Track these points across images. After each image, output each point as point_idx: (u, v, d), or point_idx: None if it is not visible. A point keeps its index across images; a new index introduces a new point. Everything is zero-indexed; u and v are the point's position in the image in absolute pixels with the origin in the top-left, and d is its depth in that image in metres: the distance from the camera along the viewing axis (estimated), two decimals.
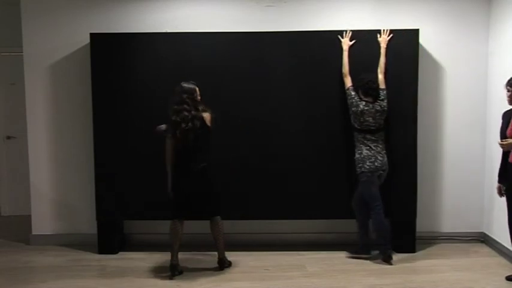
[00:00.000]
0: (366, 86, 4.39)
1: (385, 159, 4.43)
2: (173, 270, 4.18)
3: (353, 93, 4.43)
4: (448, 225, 5.03)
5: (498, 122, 4.72)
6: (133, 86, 4.67)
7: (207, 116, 4.12)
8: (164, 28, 4.80)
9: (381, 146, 4.43)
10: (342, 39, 4.56)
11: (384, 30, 4.57)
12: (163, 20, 4.86)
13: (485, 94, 4.93)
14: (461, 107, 4.94)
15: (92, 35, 4.66)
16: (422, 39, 4.68)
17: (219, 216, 4.30)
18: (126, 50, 4.64)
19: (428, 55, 4.87)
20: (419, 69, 4.60)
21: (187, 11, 4.89)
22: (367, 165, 4.38)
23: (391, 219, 4.84)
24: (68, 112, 4.97)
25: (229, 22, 4.85)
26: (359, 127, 4.41)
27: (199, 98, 4.17)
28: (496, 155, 4.76)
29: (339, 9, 4.88)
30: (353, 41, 4.54)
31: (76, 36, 4.86)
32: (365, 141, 4.41)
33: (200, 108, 4.11)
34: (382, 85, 4.46)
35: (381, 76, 4.48)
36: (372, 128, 4.39)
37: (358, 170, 4.43)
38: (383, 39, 4.54)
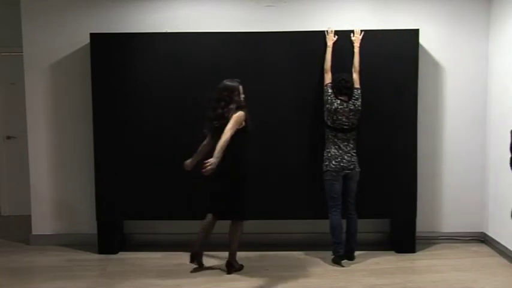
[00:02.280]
0: (339, 84, 4.39)
1: (353, 158, 4.40)
2: (192, 258, 4.24)
3: (330, 90, 4.43)
4: (448, 225, 5.04)
5: (498, 122, 4.73)
6: (133, 86, 4.67)
7: (236, 116, 3.99)
8: (164, 28, 4.80)
9: (351, 145, 4.41)
10: (326, 35, 4.56)
11: (355, 29, 4.57)
12: (163, 20, 4.86)
13: (485, 94, 4.93)
14: (461, 107, 4.94)
15: (92, 35, 4.66)
16: (422, 39, 4.68)
17: (240, 219, 4.22)
18: (126, 50, 4.65)
19: (428, 55, 4.87)
20: (419, 69, 4.60)
21: (187, 11, 4.89)
22: (333, 164, 4.37)
23: (391, 219, 4.86)
24: (68, 112, 4.97)
25: (229, 22, 4.85)
26: (331, 125, 4.41)
27: (241, 97, 4.12)
28: (496, 154, 4.77)
29: (339, 9, 4.88)
30: (336, 37, 4.54)
31: (76, 36, 4.87)
32: (335, 140, 4.41)
33: (235, 107, 4.03)
34: (356, 84, 4.45)
35: (355, 75, 4.47)
36: (345, 127, 4.38)
37: (324, 168, 4.44)
38: (356, 39, 4.54)
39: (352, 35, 4.56)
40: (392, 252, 4.74)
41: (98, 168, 4.68)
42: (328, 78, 4.48)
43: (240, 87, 4.14)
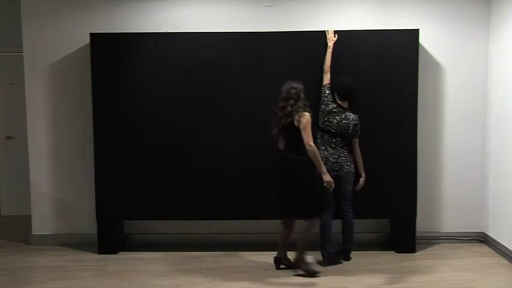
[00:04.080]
0: (344, 89, 4.35)
1: (340, 159, 4.37)
2: (275, 263, 4.31)
3: (327, 91, 4.44)
4: (448, 225, 5.04)
5: (498, 122, 4.73)
6: (133, 86, 4.67)
7: (306, 118, 4.00)
8: (164, 28, 4.80)
9: (338, 148, 4.38)
10: (327, 35, 4.56)
11: (329, 29, 4.57)
12: (163, 20, 4.86)
13: (485, 94, 4.93)
14: (461, 107, 4.94)
15: (92, 35, 4.66)
16: (422, 39, 4.68)
17: (309, 219, 4.16)
18: (126, 50, 4.64)
19: (428, 55, 4.87)
20: (419, 69, 4.60)
21: (187, 11, 4.89)
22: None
23: (391, 219, 4.86)
24: (68, 112, 4.97)
25: (229, 22, 4.85)
26: (321, 125, 4.42)
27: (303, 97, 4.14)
28: (496, 154, 4.78)
29: (339, 9, 4.88)
30: (336, 37, 4.54)
31: (76, 36, 4.87)
32: (323, 141, 4.41)
33: (302, 105, 4.07)
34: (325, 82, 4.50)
35: (325, 76, 4.48)
36: (332, 130, 4.37)
37: (316, 170, 4.42)
38: (330, 38, 4.53)
39: (327, 33, 4.56)
40: (392, 252, 4.74)
41: (97, 168, 4.68)
42: (326, 78, 4.47)
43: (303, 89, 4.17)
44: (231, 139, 4.66)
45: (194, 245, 4.92)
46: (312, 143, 3.99)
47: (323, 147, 4.40)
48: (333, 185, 4.12)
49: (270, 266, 4.42)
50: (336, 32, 4.58)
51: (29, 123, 4.98)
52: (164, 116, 4.66)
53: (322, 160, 4.30)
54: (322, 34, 4.59)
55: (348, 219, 4.46)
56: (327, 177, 4.09)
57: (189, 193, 4.67)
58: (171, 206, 4.71)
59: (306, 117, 3.99)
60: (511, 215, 4.50)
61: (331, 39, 4.55)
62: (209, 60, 4.64)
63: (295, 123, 4.00)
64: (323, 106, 4.41)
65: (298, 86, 4.12)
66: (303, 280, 4.11)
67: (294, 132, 4.02)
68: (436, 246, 4.91)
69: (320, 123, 4.42)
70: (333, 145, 4.39)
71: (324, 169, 4.08)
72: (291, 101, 4.04)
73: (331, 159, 4.37)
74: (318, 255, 4.53)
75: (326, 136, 4.41)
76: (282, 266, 4.33)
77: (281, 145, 4.22)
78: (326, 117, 4.39)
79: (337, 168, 4.37)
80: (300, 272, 4.21)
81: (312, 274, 4.18)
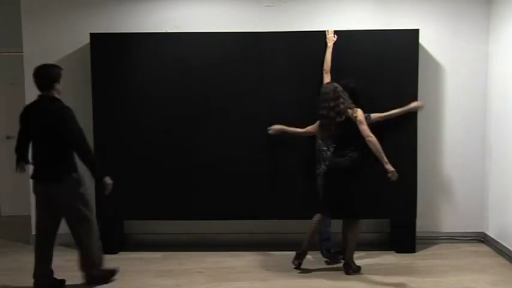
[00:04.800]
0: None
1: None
2: (297, 256, 4.31)
3: None
4: (448, 225, 5.04)
5: (498, 122, 4.73)
6: (133, 86, 4.67)
7: (360, 115, 4.07)
8: (164, 28, 4.80)
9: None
10: (327, 35, 4.56)
11: (328, 30, 4.57)
12: (163, 20, 4.86)
13: (485, 94, 4.93)
14: (461, 107, 4.95)
15: (92, 35, 4.67)
16: (422, 39, 4.68)
17: (355, 219, 4.20)
18: (126, 50, 4.65)
19: (428, 55, 4.87)
20: (419, 69, 4.60)
21: (187, 11, 4.89)
22: (323, 168, 4.37)
23: (391, 219, 4.85)
24: None
25: (229, 22, 4.85)
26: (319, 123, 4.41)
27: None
28: (496, 154, 4.78)
29: (339, 9, 4.88)
30: (336, 37, 4.54)
31: (76, 36, 4.87)
32: (325, 142, 4.40)
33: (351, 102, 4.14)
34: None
35: (326, 75, 4.48)
36: None
37: (316, 171, 4.46)
38: (330, 38, 4.53)
39: (327, 33, 4.56)
40: (393, 252, 4.74)
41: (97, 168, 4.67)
42: (327, 78, 4.47)
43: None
44: (231, 139, 4.66)
45: (194, 245, 4.92)
46: (372, 135, 4.02)
47: (325, 148, 4.40)
48: (397, 175, 4.07)
49: (269, 266, 4.42)
50: (336, 32, 4.58)
51: None
52: (164, 116, 4.67)
53: (326, 161, 4.32)
54: (322, 34, 4.59)
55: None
56: (390, 167, 4.05)
57: (189, 193, 4.67)
58: (171, 206, 4.71)
59: (360, 112, 4.07)
60: (511, 215, 4.51)
61: (331, 39, 4.54)
62: (209, 60, 4.64)
63: (351, 119, 4.04)
64: None
65: (338, 85, 4.17)
66: (303, 280, 4.11)
67: (351, 129, 4.05)
68: (436, 246, 4.91)
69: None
70: (335, 145, 4.39)
71: (386, 159, 4.05)
72: (341, 99, 4.07)
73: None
74: (317, 254, 4.54)
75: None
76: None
77: (323, 145, 4.31)
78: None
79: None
80: (348, 271, 4.23)
81: (358, 269, 4.25)
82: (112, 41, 4.65)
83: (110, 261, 4.56)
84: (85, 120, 4.80)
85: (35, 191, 3.91)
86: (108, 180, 3.86)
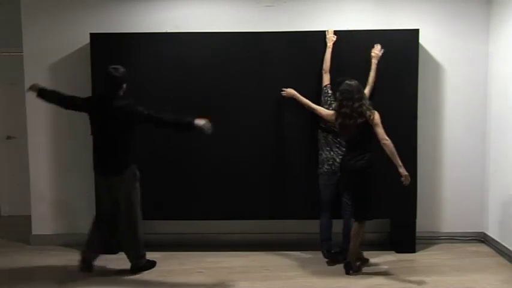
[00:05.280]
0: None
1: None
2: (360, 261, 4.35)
3: (330, 91, 4.43)
4: (448, 225, 5.04)
5: (498, 122, 4.73)
6: (133, 86, 4.65)
7: (378, 117, 4.04)
8: (164, 28, 4.80)
9: (343, 148, 4.36)
10: (326, 35, 4.55)
11: (328, 30, 4.57)
12: (163, 20, 4.86)
13: (485, 94, 4.93)
14: (461, 107, 4.95)
15: (92, 35, 4.66)
16: (422, 39, 4.68)
17: (362, 219, 4.20)
18: (126, 50, 4.64)
19: (428, 55, 4.87)
20: (419, 69, 4.59)
21: (187, 11, 4.89)
22: (325, 168, 4.39)
23: (391, 219, 4.85)
24: (68, 112, 4.94)
25: (229, 22, 4.85)
26: (323, 125, 4.41)
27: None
28: (496, 154, 4.78)
29: (339, 9, 4.88)
30: (336, 37, 4.53)
31: (76, 36, 4.87)
32: (327, 142, 4.41)
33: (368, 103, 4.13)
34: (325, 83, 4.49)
35: (325, 75, 4.47)
36: (336, 129, 4.35)
37: (318, 170, 4.46)
38: (375, 55, 4.49)
39: (326, 33, 4.56)
40: (392, 252, 4.74)
41: None
42: (327, 79, 4.47)
43: None
44: (230, 139, 4.66)
45: (194, 245, 4.92)
46: (387, 138, 4.00)
47: (328, 148, 4.40)
48: (409, 179, 4.04)
49: (269, 266, 4.42)
50: (336, 32, 4.58)
51: (29, 123, 4.98)
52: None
53: (329, 161, 4.32)
54: (322, 34, 4.59)
55: (349, 220, 4.46)
56: (404, 171, 4.01)
57: (189, 193, 4.66)
58: (171, 206, 4.71)
59: (377, 115, 4.04)
60: (511, 215, 4.51)
61: (331, 39, 4.54)
62: (209, 60, 4.64)
63: (368, 121, 4.02)
64: (326, 106, 4.41)
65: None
66: (303, 280, 4.11)
67: (367, 131, 4.04)
68: (436, 246, 4.91)
69: (322, 123, 4.41)
70: (337, 145, 4.39)
71: (400, 162, 4.02)
72: (364, 100, 4.06)
73: (337, 159, 4.36)
74: (317, 254, 4.54)
75: (330, 136, 4.40)
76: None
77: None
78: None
79: (344, 170, 4.37)
80: (348, 271, 4.24)
81: (359, 269, 4.28)
82: (112, 41, 4.64)
83: (110, 261, 4.57)
84: (85, 120, 4.83)
85: (98, 182, 4.27)
86: (199, 122, 3.97)
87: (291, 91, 4.50)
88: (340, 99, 4.09)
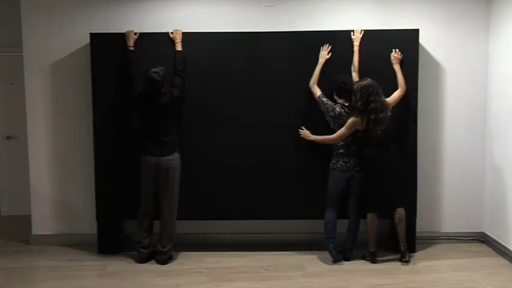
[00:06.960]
0: (339, 87, 4.41)
1: (359, 161, 4.43)
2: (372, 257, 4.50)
3: (325, 99, 4.44)
4: (448, 225, 5.04)
5: (498, 122, 4.73)
6: (133, 86, 4.66)
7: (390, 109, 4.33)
8: (164, 28, 4.79)
9: (357, 148, 4.41)
10: (352, 35, 4.56)
11: (355, 29, 4.57)
12: (163, 20, 4.86)
13: (485, 94, 4.93)
14: (461, 107, 4.94)
15: (92, 35, 4.66)
16: (422, 39, 4.68)
17: (372, 213, 4.44)
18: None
19: (428, 55, 4.87)
20: (419, 69, 4.59)
21: (187, 11, 4.89)
22: (340, 165, 4.40)
23: (391, 219, 4.85)
24: (68, 112, 4.97)
25: (229, 22, 4.85)
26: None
27: None
28: (496, 154, 4.78)
29: (339, 9, 4.88)
30: (329, 55, 4.54)
31: (76, 36, 4.86)
32: (344, 142, 4.41)
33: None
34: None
35: (354, 74, 4.47)
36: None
37: (331, 165, 4.46)
38: (356, 38, 4.53)
39: (352, 33, 4.56)
40: (393, 252, 4.74)
41: (98, 168, 4.68)
42: (316, 91, 4.48)
43: None
44: (230, 139, 4.65)
45: (194, 245, 4.92)
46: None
47: (345, 147, 4.42)
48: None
49: (269, 266, 4.42)
50: (336, 32, 4.58)
51: (29, 123, 4.98)
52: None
53: (345, 158, 4.45)
54: (323, 34, 4.59)
55: (353, 220, 4.48)
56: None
57: (189, 193, 4.66)
58: None
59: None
60: (511, 215, 4.51)
61: (323, 56, 4.54)
62: (209, 60, 4.64)
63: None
64: (331, 113, 4.41)
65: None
66: (303, 280, 4.11)
67: (393, 126, 4.30)
68: (436, 246, 4.91)
69: (336, 127, 4.41)
70: (354, 144, 4.42)
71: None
72: (382, 96, 4.27)
73: (353, 158, 4.41)
74: (317, 254, 4.54)
75: (349, 137, 4.42)
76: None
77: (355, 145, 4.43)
78: (341, 120, 4.38)
79: (358, 169, 4.42)
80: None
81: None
82: (112, 41, 4.64)
83: (110, 261, 4.57)
84: (85, 120, 4.84)
85: (147, 164, 4.44)
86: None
87: (307, 133, 4.54)
88: (367, 96, 4.19)
